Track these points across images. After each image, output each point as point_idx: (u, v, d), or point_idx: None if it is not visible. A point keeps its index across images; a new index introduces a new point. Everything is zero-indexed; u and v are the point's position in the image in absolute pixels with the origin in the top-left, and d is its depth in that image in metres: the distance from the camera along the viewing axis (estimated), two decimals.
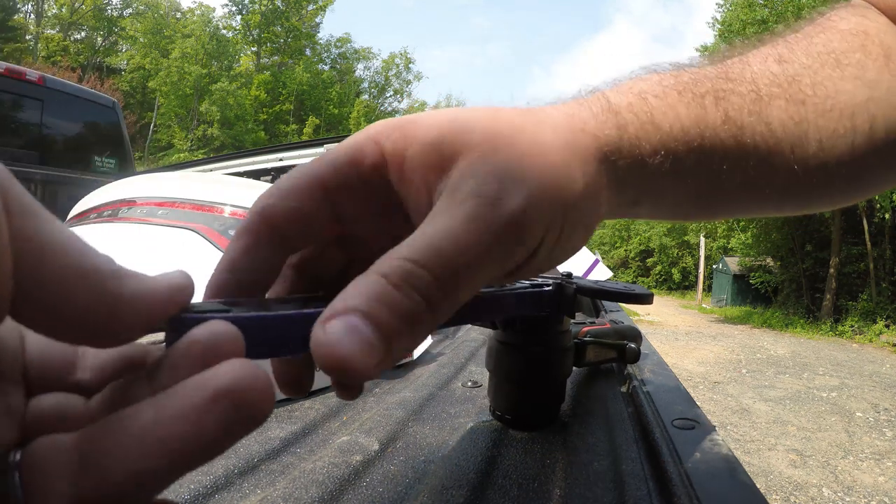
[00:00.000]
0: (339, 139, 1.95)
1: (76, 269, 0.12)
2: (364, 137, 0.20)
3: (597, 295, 0.37)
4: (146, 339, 0.15)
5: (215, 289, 0.19)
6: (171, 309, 0.14)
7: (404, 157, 0.19)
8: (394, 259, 0.16)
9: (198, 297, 0.16)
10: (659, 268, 19.11)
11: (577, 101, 0.23)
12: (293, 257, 0.22)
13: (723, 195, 0.25)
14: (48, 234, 0.11)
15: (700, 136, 0.22)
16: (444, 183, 0.18)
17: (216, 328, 0.13)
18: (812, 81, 0.24)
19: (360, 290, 0.15)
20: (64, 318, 0.12)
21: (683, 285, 18.30)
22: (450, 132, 0.19)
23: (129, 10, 22.01)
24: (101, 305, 0.12)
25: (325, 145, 1.96)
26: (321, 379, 0.52)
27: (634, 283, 0.43)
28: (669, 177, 0.23)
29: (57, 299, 0.11)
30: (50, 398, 0.14)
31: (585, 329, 0.52)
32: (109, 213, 0.90)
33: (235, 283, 0.19)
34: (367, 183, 0.20)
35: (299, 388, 0.21)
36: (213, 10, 29.02)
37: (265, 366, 0.16)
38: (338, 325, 0.14)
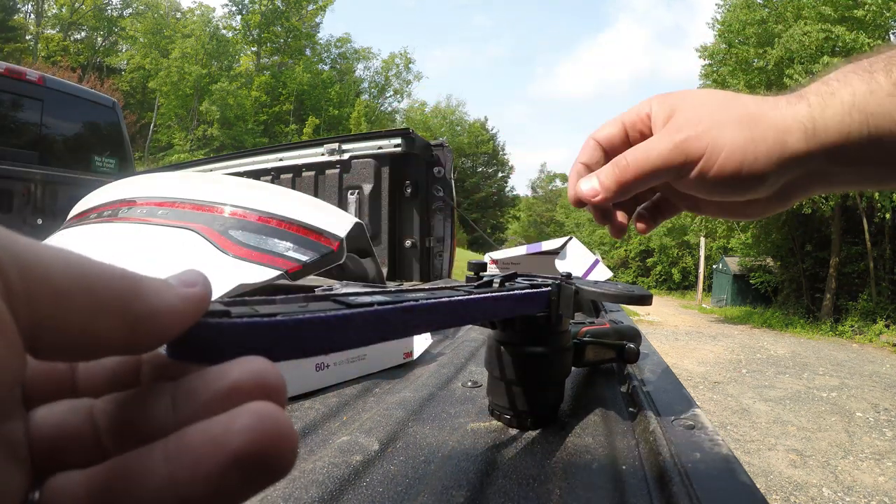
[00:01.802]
0: (339, 139, 1.95)
1: (94, 302, 0.11)
2: (642, 102, 0.36)
3: (596, 296, 0.37)
4: None
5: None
6: (189, 321, 0.14)
7: (654, 114, 0.35)
8: (619, 157, 0.34)
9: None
10: (659, 268, 19.10)
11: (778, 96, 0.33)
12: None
13: None
14: (59, 275, 0.11)
15: (873, 100, 0.28)
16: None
17: (260, 370, 0.13)
18: None
19: (604, 170, 0.34)
20: (82, 350, 0.12)
21: (683, 285, 18.30)
22: (673, 100, 0.35)
23: (129, 10, 22.00)
24: (120, 331, 0.12)
25: (324, 145, 1.96)
26: (321, 379, 0.52)
27: (634, 283, 0.43)
28: (853, 137, 0.29)
29: (77, 337, 0.11)
30: (54, 413, 0.14)
31: (585, 329, 0.52)
32: (109, 213, 0.90)
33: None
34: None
35: None
36: (213, 10, 29.08)
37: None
38: (584, 182, 0.35)
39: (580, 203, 0.35)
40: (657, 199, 0.40)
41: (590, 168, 0.36)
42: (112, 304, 0.12)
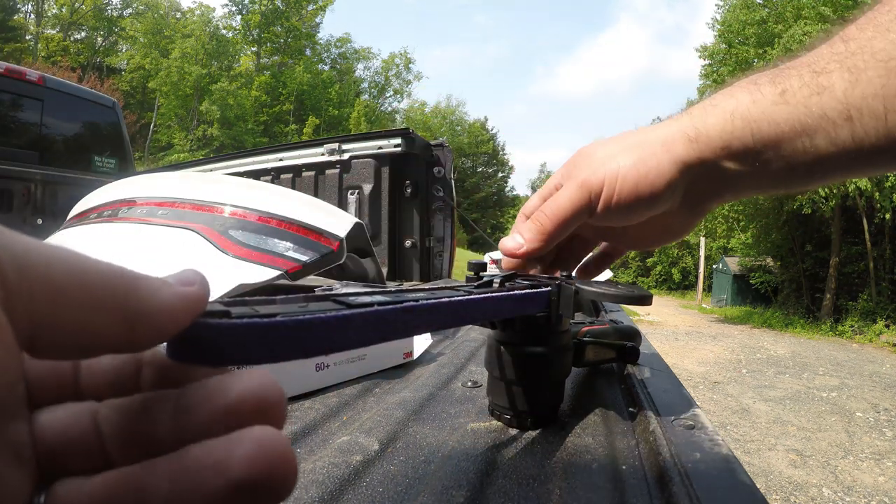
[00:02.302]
0: (339, 139, 1.95)
1: (92, 300, 0.12)
2: (552, 175, 0.42)
3: (596, 296, 0.37)
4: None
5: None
6: (186, 320, 0.14)
7: (560, 177, 0.41)
8: (536, 212, 0.39)
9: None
10: (659, 268, 19.11)
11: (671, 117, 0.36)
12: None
13: (808, 156, 0.31)
14: (57, 273, 0.11)
15: (756, 108, 0.31)
16: None
17: (261, 386, 0.13)
18: (872, 49, 0.28)
19: (524, 225, 0.39)
20: (81, 348, 0.12)
21: (683, 285, 18.30)
22: (573, 158, 0.40)
23: (129, 10, 22.00)
24: (118, 328, 0.12)
25: (324, 145, 1.96)
26: (321, 379, 0.52)
27: (634, 283, 0.43)
28: (739, 143, 0.32)
29: (75, 335, 0.12)
30: (59, 416, 0.13)
31: (585, 329, 0.52)
32: (109, 213, 0.90)
33: None
34: None
35: None
36: (213, 10, 29.06)
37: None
38: (506, 239, 0.40)
39: (512, 257, 0.40)
40: (604, 249, 0.47)
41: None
42: (110, 301, 0.12)
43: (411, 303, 0.22)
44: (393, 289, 0.26)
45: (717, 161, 0.33)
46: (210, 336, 0.14)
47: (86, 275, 0.12)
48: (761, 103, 0.31)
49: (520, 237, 0.39)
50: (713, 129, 0.33)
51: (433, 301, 0.24)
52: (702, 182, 0.35)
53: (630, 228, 0.40)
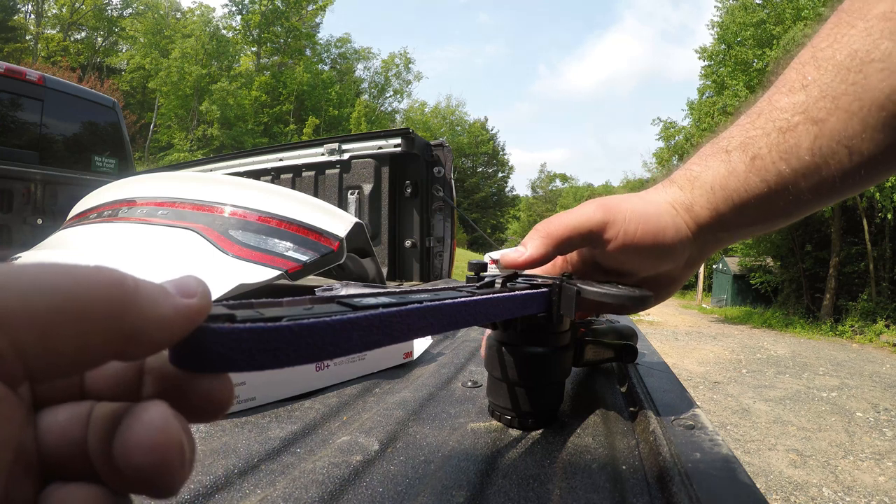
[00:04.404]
0: (339, 139, 1.95)
1: (83, 322, 0.11)
2: None
3: (597, 297, 0.37)
4: None
5: None
6: (184, 332, 0.13)
7: None
8: (542, 222, 0.40)
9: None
10: None
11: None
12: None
13: (785, 203, 0.34)
14: (40, 304, 0.11)
15: (733, 180, 0.34)
16: None
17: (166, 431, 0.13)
18: (835, 94, 0.29)
19: (529, 235, 0.40)
20: (78, 367, 0.12)
21: (683, 285, 18.29)
22: None
23: (129, 10, 21.99)
24: (114, 342, 0.12)
25: (324, 145, 1.96)
26: (321, 379, 0.52)
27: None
28: (730, 206, 0.36)
29: (70, 358, 0.12)
30: (60, 420, 0.13)
31: (583, 329, 0.52)
32: (109, 213, 0.90)
33: None
34: None
35: None
36: (213, 10, 29.05)
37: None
38: (510, 250, 0.40)
39: (513, 268, 0.41)
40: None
41: None
42: (104, 320, 0.12)
43: (416, 305, 0.22)
44: (396, 290, 0.26)
45: (712, 229, 0.38)
46: (214, 342, 0.14)
47: (71, 297, 0.11)
48: (737, 175, 0.34)
49: (522, 247, 0.40)
50: (701, 203, 0.37)
51: (437, 303, 0.24)
52: (703, 240, 0.39)
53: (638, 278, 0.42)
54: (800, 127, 0.31)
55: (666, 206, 0.38)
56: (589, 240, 0.39)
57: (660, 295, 0.43)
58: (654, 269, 0.40)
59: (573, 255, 0.44)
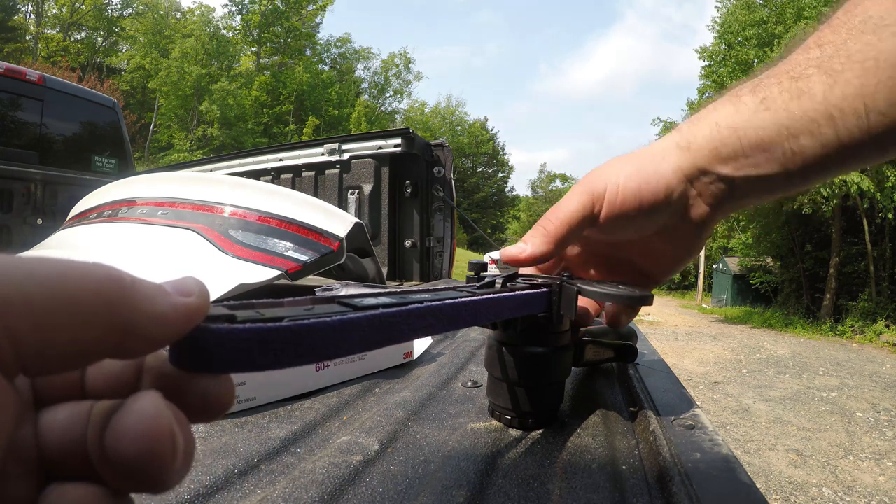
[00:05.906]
0: (338, 139, 1.95)
1: (78, 315, 0.11)
2: None
3: (597, 296, 0.37)
4: None
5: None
6: (180, 332, 0.13)
7: None
8: (540, 220, 0.40)
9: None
10: None
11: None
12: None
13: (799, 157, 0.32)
14: (37, 294, 0.11)
15: (739, 117, 0.34)
16: None
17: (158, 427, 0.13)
18: (849, 52, 0.29)
19: (529, 232, 0.40)
20: (73, 362, 0.12)
21: (683, 285, 18.29)
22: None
23: (129, 10, 22.00)
24: (110, 339, 0.12)
25: (324, 145, 1.96)
26: (321, 379, 0.52)
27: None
28: (733, 145, 0.34)
29: (65, 351, 0.11)
30: (59, 419, 0.13)
31: (582, 329, 0.52)
32: (109, 213, 0.90)
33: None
34: None
35: None
36: (213, 10, 29.05)
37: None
38: (510, 247, 0.39)
39: (514, 264, 0.40)
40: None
41: None
42: (99, 312, 0.12)
43: (416, 305, 0.22)
44: (396, 290, 0.26)
45: (711, 167, 0.36)
46: (214, 343, 0.14)
47: (67, 290, 0.11)
48: (744, 112, 0.33)
49: (523, 244, 0.40)
50: (702, 138, 0.36)
51: (438, 303, 0.24)
52: (701, 190, 0.37)
53: (640, 250, 0.42)
54: (814, 77, 0.30)
55: (653, 154, 0.38)
56: (585, 224, 0.39)
57: (662, 271, 0.43)
58: (646, 222, 0.38)
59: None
